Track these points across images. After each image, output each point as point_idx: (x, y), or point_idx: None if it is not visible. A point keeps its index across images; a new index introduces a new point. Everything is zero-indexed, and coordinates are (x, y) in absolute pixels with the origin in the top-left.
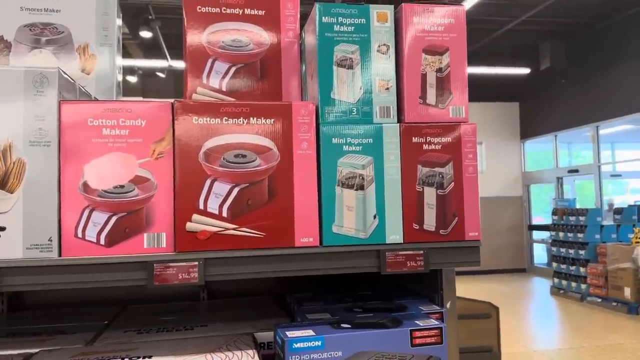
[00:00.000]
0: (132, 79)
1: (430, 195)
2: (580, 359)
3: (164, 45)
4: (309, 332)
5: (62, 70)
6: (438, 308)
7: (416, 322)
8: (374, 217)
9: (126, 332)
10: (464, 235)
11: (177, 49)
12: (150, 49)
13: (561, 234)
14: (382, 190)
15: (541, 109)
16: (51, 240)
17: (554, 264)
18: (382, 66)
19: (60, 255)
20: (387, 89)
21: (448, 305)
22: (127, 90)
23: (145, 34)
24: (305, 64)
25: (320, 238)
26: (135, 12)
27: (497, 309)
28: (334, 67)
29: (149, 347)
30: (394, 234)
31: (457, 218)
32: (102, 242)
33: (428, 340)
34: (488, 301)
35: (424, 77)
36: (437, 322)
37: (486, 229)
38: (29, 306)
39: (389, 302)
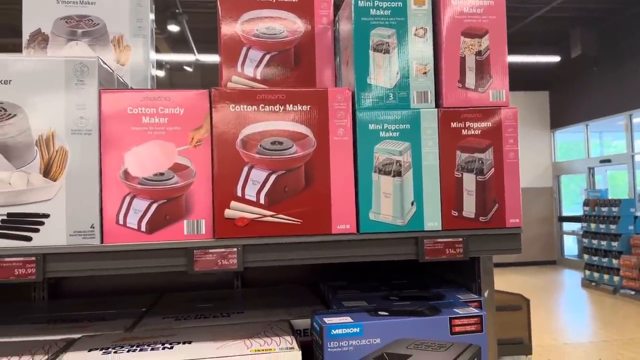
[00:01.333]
0: (160, 73)
1: (469, 181)
2: (612, 352)
3: (191, 39)
4: (347, 319)
5: (102, 60)
6: (476, 297)
7: (455, 310)
8: (412, 203)
9: (164, 319)
10: (505, 222)
11: (205, 42)
12: (178, 43)
13: (593, 225)
14: (420, 177)
15: (572, 97)
16: (93, 227)
17: (586, 256)
18: (420, 50)
19: (102, 241)
20: (425, 73)
21: (486, 294)
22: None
23: (173, 28)
24: (340, 51)
25: (357, 225)
26: (163, 6)
27: (527, 300)
28: (370, 52)
29: (187, 333)
30: (432, 221)
31: (497, 204)
32: (143, 229)
33: (468, 328)
34: (519, 293)
35: (462, 60)
36: (476, 311)
37: None
38: (69, 294)
39: (426, 291)
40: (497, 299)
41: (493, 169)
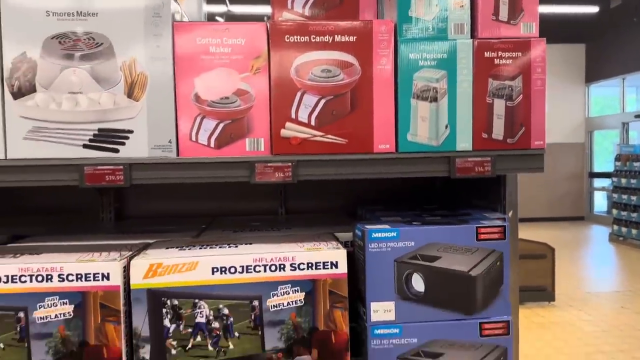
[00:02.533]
0: None
1: (499, 106)
2: (637, 301)
3: None
4: (386, 226)
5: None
6: (501, 214)
7: (481, 221)
8: (446, 127)
9: (224, 232)
10: (530, 144)
11: None
12: None
13: (623, 181)
14: (454, 102)
15: (609, 50)
16: (171, 142)
17: (614, 211)
18: None
19: (178, 155)
20: (462, 6)
21: (510, 214)
22: None
23: None
24: None
25: (396, 145)
26: None
27: (552, 249)
28: None
29: (247, 239)
30: (464, 142)
31: (524, 128)
32: (212, 145)
33: (492, 236)
34: (544, 242)
35: None
36: (500, 222)
37: (545, 176)
38: (132, 217)
39: (455, 211)
40: (522, 247)
41: (521, 95)
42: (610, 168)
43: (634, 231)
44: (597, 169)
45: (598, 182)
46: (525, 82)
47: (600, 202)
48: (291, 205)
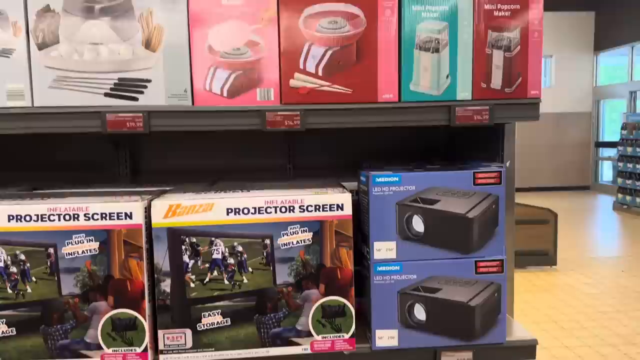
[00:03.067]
0: None
1: (498, 57)
2: (636, 266)
3: None
4: (388, 172)
5: None
6: (499, 164)
7: (479, 167)
8: (447, 77)
9: (236, 182)
10: (527, 93)
11: None
12: None
13: (629, 149)
14: (456, 53)
15: (619, 18)
16: (186, 92)
17: (619, 180)
18: None
19: (193, 103)
20: None
21: (507, 163)
22: None
23: None
24: None
25: (399, 95)
26: None
27: (555, 215)
28: None
29: (258, 187)
30: (464, 92)
31: (521, 78)
32: (225, 94)
33: (489, 180)
34: (547, 207)
35: None
36: (497, 167)
37: (551, 145)
38: (146, 172)
39: (455, 163)
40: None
41: (519, 46)
42: (618, 139)
43: (638, 199)
44: (606, 139)
45: (605, 153)
46: (523, 34)
47: (606, 172)
48: (298, 161)
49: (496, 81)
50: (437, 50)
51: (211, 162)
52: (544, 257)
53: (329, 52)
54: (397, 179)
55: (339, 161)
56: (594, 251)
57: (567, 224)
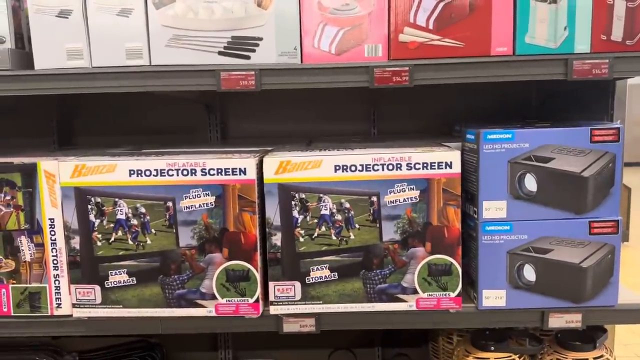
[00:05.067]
0: None
1: (619, 7)
2: None
3: None
4: (499, 129)
5: None
6: (610, 123)
7: (595, 124)
8: (564, 28)
9: (331, 143)
10: None
11: None
12: None
13: None
14: (574, 4)
15: None
16: (296, 49)
17: None
18: None
19: (301, 61)
20: None
21: (618, 122)
22: None
23: None
24: None
25: (513, 48)
26: None
27: (629, 189)
28: None
29: (357, 146)
30: (582, 44)
31: None
32: (333, 51)
33: (606, 138)
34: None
35: None
36: (614, 124)
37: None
38: (234, 137)
39: (562, 122)
40: None
41: None
42: None
43: None
44: None
45: None
46: None
47: None
48: (382, 126)
49: (617, 33)
50: (554, 1)
51: (298, 128)
52: None
53: (442, 4)
54: (510, 136)
55: (424, 125)
56: None
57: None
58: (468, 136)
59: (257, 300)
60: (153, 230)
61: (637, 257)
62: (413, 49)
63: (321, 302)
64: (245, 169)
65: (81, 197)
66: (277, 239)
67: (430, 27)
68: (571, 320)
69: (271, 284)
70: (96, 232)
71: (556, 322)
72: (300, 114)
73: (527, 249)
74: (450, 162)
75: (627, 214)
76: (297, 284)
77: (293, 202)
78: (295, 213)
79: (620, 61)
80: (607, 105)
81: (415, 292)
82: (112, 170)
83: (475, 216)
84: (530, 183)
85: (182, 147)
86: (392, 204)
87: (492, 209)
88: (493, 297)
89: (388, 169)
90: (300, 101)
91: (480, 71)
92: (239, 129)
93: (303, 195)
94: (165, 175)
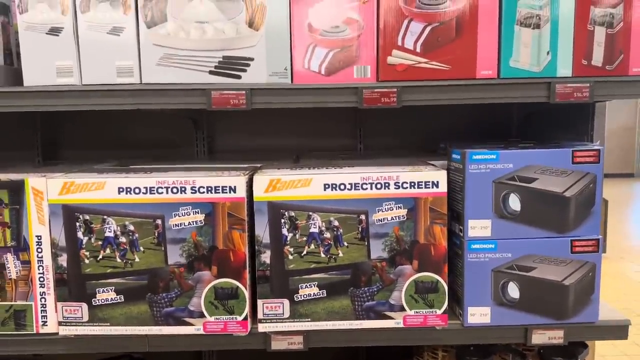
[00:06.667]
0: None
1: (599, 33)
2: None
3: None
4: (484, 149)
5: None
6: (590, 143)
7: (576, 146)
8: (547, 53)
9: (318, 160)
10: (628, 70)
11: None
12: None
13: None
14: (557, 29)
15: None
16: (286, 69)
17: None
18: None
19: (292, 81)
20: None
21: (597, 143)
22: None
23: None
24: None
25: (498, 71)
26: None
27: (606, 201)
28: None
29: (345, 164)
30: (564, 69)
31: (622, 55)
32: (323, 72)
33: (587, 159)
34: None
35: None
36: (595, 145)
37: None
38: (221, 151)
39: (542, 142)
40: None
41: (622, 22)
42: None
43: None
44: None
45: None
46: (626, 9)
47: None
48: (368, 142)
49: (597, 58)
50: (538, 26)
51: (284, 143)
52: None
53: (428, 28)
54: (494, 157)
55: (408, 142)
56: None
57: (614, 211)
58: (454, 156)
59: (245, 318)
60: (142, 248)
61: (615, 268)
62: (401, 71)
63: (310, 319)
64: (235, 187)
65: (69, 214)
66: (266, 257)
67: (418, 50)
68: (554, 336)
69: (260, 302)
70: (84, 250)
71: (539, 338)
72: (288, 129)
73: (511, 267)
74: (437, 182)
75: (604, 225)
76: (286, 302)
77: (282, 220)
78: (284, 231)
79: (600, 85)
80: (587, 126)
81: (402, 309)
82: (102, 188)
83: (461, 234)
84: (515, 202)
85: (169, 162)
86: (380, 222)
87: (478, 227)
88: (478, 314)
89: (376, 187)
90: (288, 117)
91: (466, 94)
92: (225, 144)
93: (292, 213)
94: (154, 193)
